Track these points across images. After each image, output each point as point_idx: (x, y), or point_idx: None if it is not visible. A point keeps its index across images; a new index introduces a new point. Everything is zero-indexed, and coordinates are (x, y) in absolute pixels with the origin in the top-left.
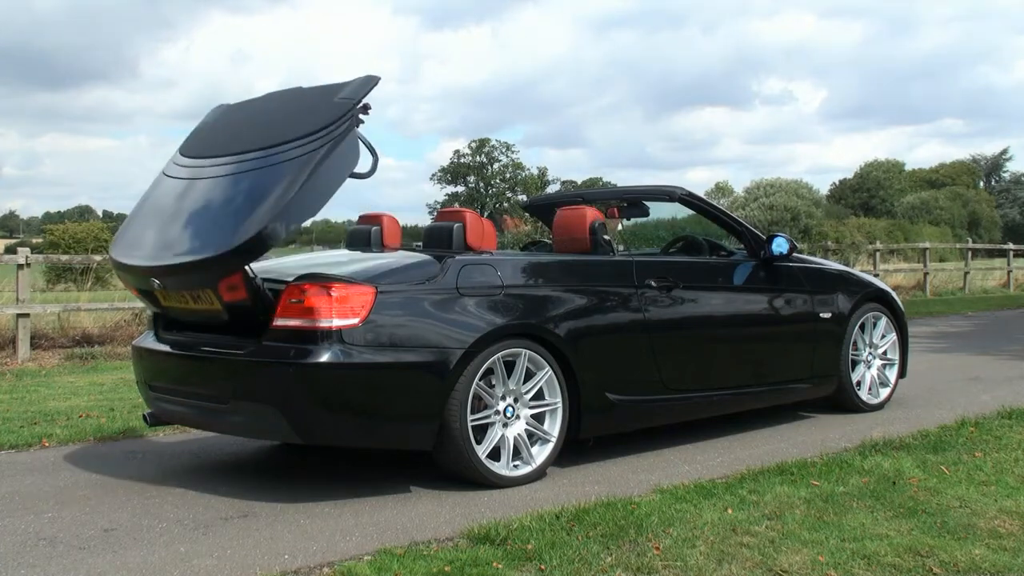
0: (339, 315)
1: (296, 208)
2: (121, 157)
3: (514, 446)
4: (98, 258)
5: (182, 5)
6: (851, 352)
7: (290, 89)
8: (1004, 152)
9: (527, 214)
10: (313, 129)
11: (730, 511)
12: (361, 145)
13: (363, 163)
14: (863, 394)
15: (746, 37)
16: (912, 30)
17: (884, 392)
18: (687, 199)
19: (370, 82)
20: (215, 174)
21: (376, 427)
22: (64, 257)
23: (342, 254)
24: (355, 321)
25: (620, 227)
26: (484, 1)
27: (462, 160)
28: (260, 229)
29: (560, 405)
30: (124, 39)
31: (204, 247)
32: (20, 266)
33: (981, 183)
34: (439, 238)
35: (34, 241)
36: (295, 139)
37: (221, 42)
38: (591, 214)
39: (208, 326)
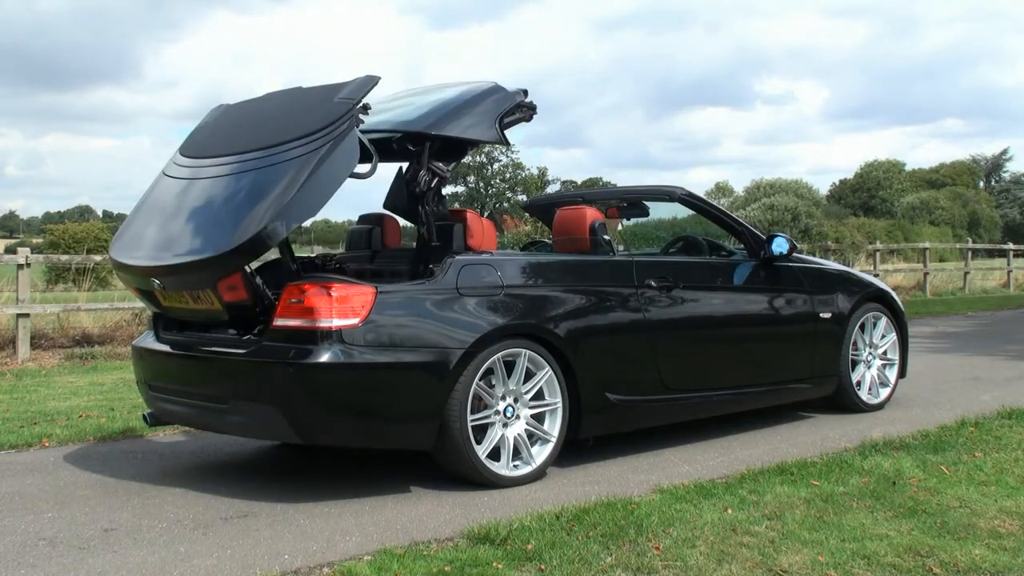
0: (339, 315)
1: (296, 208)
2: (124, 157)
3: (514, 446)
4: (98, 258)
5: (186, 6)
6: (851, 352)
7: (290, 89)
8: (1004, 152)
9: (527, 214)
10: (313, 129)
11: (730, 511)
12: (361, 145)
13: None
14: (863, 394)
15: (749, 37)
16: (914, 30)
17: (884, 392)
18: (687, 199)
19: (370, 82)
20: (215, 174)
21: (376, 427)
22: (64, 257)
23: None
24: (355, 321)
25: (620, 227)
26: (488, 1)
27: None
28: (260, 229)
29: (560, 405)
30: (128, 40)
31: (204, 247)
32: (20, 266)
33: (981, 183)
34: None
35: (34, 241)
36: (295, 139)
37: (224, 43)
38: (591, 214)
39: (209, 325)
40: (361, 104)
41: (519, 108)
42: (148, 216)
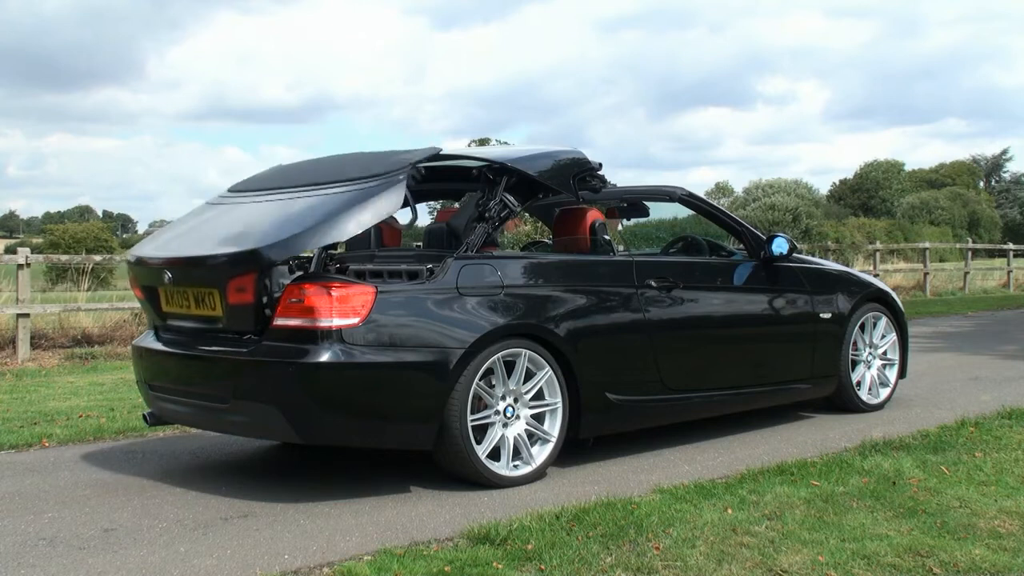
0: (339, 315)
1: (326, 228)
2: (126, 157)
3: (514, 446)
4: (98, 258)
5: (189, 6)
6: (851, 352)
7: (353, 153)
8: (1004, 152)
9: (527, 214)
10: (366, 175)
11: (730, 511)
12: (406, 199)
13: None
14: (863, 394)
15: (751, 37)
16: (916, 31)
17: (884, 392)
18: (687, 199)
19: (432, 151)
20: (258, 200)
21: (376, 427)
22: (64, 257)
23: None
24: (355, 321)
25: (620, 227)
26: (491, 1)
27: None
28: (284, 237)
29: (560, 405)
30: (131, 40)
31: (225, 245)
32: (20, 266)
33: (981, 183)
34: (439, 238)
35: (34, 241)
36: (345, 180)
37: (228, 43)
38: (591, 214)
39: (201, 332)
40: (418, 165)
41: (593, 176)
42: (179, 227)
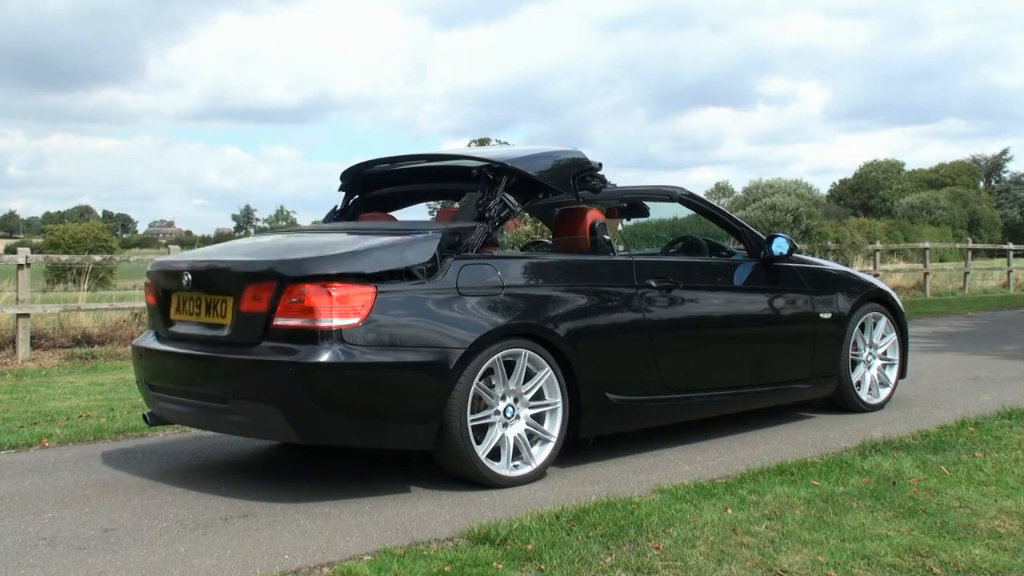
0: (339, 315)
1: (353, 256)
2: (126, 157)
3: (514, 446)
4: (98, 258)
5: (191, 7)
6: (851, 352)
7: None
8: (1004, 152)
9: (527, 214)
10: (402, 229)
11: (730, 511)
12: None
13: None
14: (863, 394)
15: (752, 37)
16: (917, 31)
17: (884, 392)
18: (687, 199)
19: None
20: (293, 234)
21: (376, 427)
22: (64, 257)
23: None
24: (355, 321)
25: (620, 227)
26: (492, 2)
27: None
28: (307, 257)
29: (560, 405)
30: (132, 40)
31: (250, 256)
32: (20, 266)
33: (981, 183)
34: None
35: (34, 241)
36: (381, 231)
37: (229, 43)
38: (591, 214)
39: (201, 341)
40: (452, 231)
41: (593, 176)
42: (209, 247)
